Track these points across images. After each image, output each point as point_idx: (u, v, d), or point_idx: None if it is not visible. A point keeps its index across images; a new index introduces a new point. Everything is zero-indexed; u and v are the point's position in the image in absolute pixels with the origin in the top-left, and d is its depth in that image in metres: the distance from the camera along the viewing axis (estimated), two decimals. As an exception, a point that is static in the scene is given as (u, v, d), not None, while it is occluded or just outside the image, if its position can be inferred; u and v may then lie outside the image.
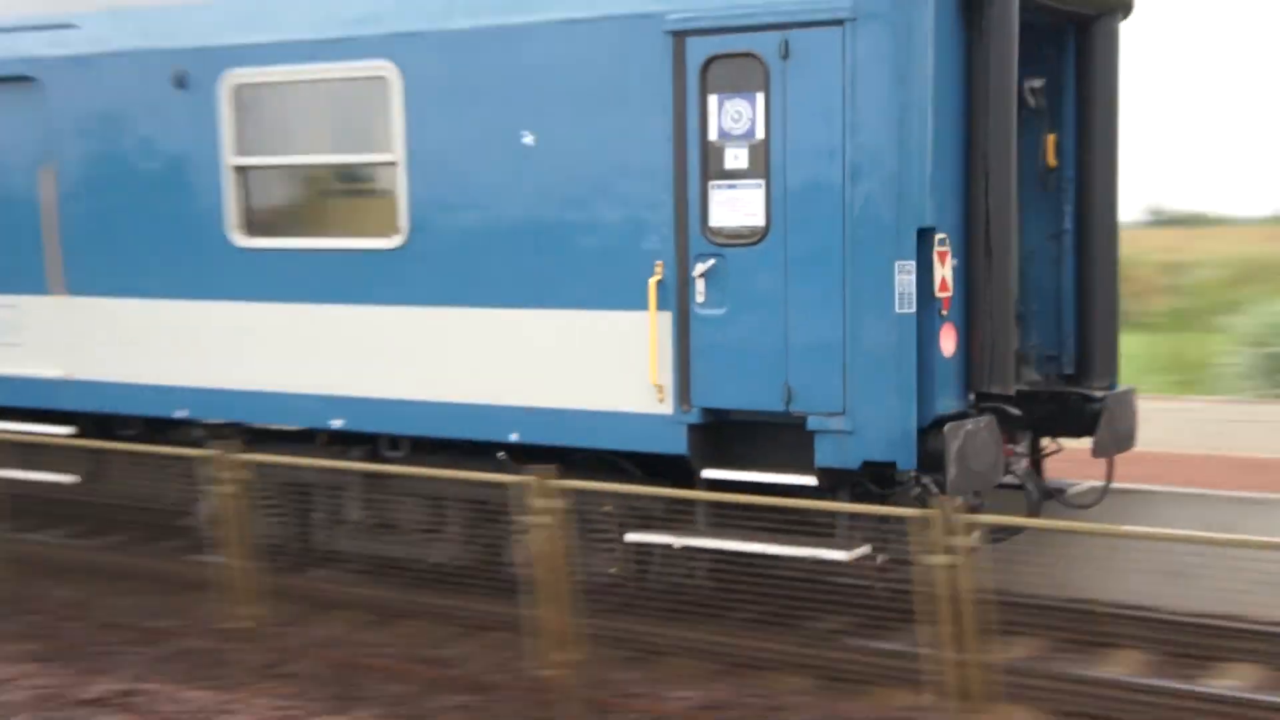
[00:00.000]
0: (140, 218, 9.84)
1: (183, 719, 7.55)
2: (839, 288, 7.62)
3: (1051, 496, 8.76)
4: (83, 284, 10.11)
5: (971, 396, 7.93)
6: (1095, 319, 8.63)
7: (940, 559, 6.44)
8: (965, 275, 7.83)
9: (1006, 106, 7.66)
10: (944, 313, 7.66)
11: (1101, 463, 8.88)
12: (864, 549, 7.72)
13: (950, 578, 6.45)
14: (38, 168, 10.24)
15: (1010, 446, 8.38)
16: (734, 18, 7.64)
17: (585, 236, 8.25)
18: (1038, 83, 8.57)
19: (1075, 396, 8.67)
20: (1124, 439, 8.68)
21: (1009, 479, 8.45)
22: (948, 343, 7.76)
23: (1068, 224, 8.72)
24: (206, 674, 8.46)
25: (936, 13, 7.34)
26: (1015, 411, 8.08)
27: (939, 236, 7.59)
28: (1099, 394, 8.66)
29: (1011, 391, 7.89)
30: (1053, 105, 8.69)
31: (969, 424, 7.68)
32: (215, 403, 9.69)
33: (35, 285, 10.34)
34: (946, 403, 7.79)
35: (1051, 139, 8.69)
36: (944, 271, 7.62)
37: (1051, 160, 8.69)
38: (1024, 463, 8.54)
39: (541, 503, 7.23)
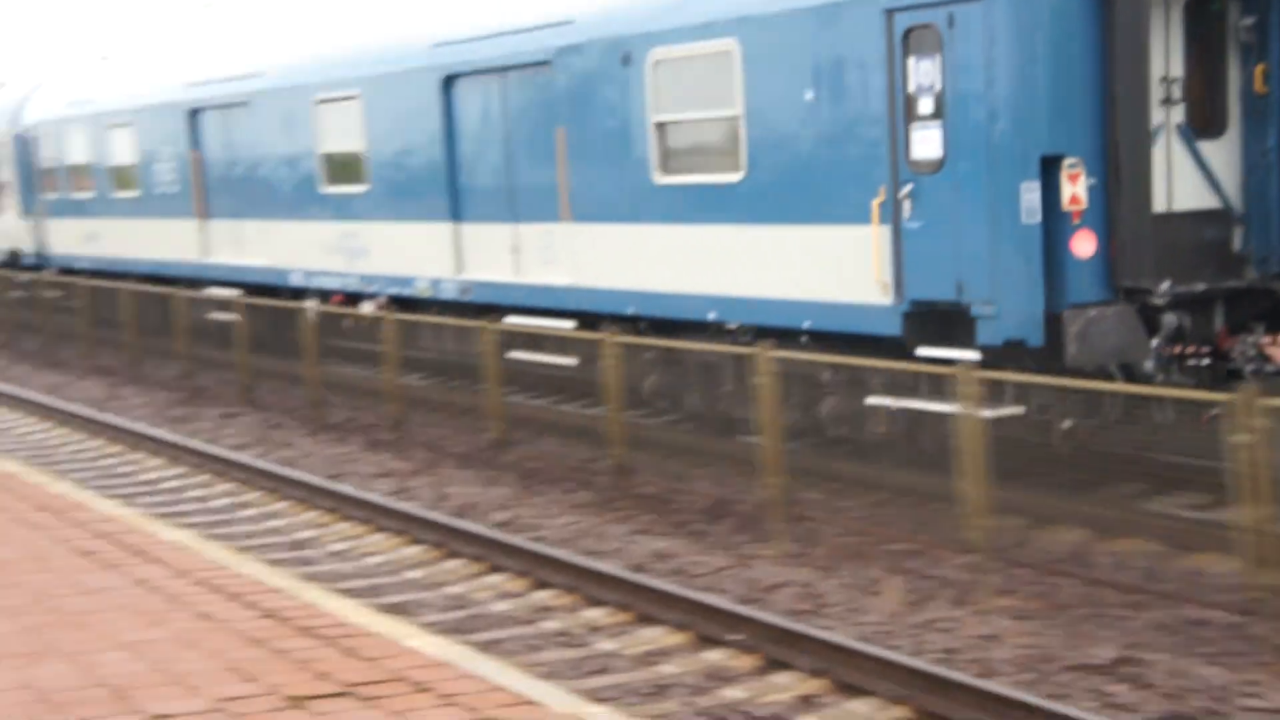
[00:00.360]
0: (606, 163, 13.45)
1: (1193, 697, 7.31)
2: (986, 204, 10.03)
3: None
4: (580, 214, 13.84)
5: (1125, 283, 10.03)
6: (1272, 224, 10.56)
7: (1243, 437, 8.08)
8: (1104, 192, 10.02)
9: (1136, 59, 9.81)
10: (1075, 222, 9.88)
11: None
12: (1018, 409, 10.25)
13: (1250, 455, 8.11)
14: (554, 128, 14.08)
15: (1233, 337, 10.44)
16: None
17: (837, 169, 11.09)
18: (1249, 20, 10.43)
19: (1251, 291, 10.60)
20: None
21: (1241, 364, 10.49)
22: (1083, 246, 9.99)
23: (1271, 141, 10.48)
24: (1217, 647, 8.03)
25: None
26: (1158, 302, 9.92)
27: (1069, 161, 9.92)
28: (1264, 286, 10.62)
29: (1153, 290, 9.90)
30: (1262, 40, 10.49)
31: (1092, 311, 9.77)
32: (646, 302, 13.11)
33: (554, 216, 14.21)
34: (1082, 294, 10.02)
35: (1260, 69, 10.49)
36: (1075, 189, 9.90)
37: (1260, 87, 10.46)
38: (1253, 348, 10.32)
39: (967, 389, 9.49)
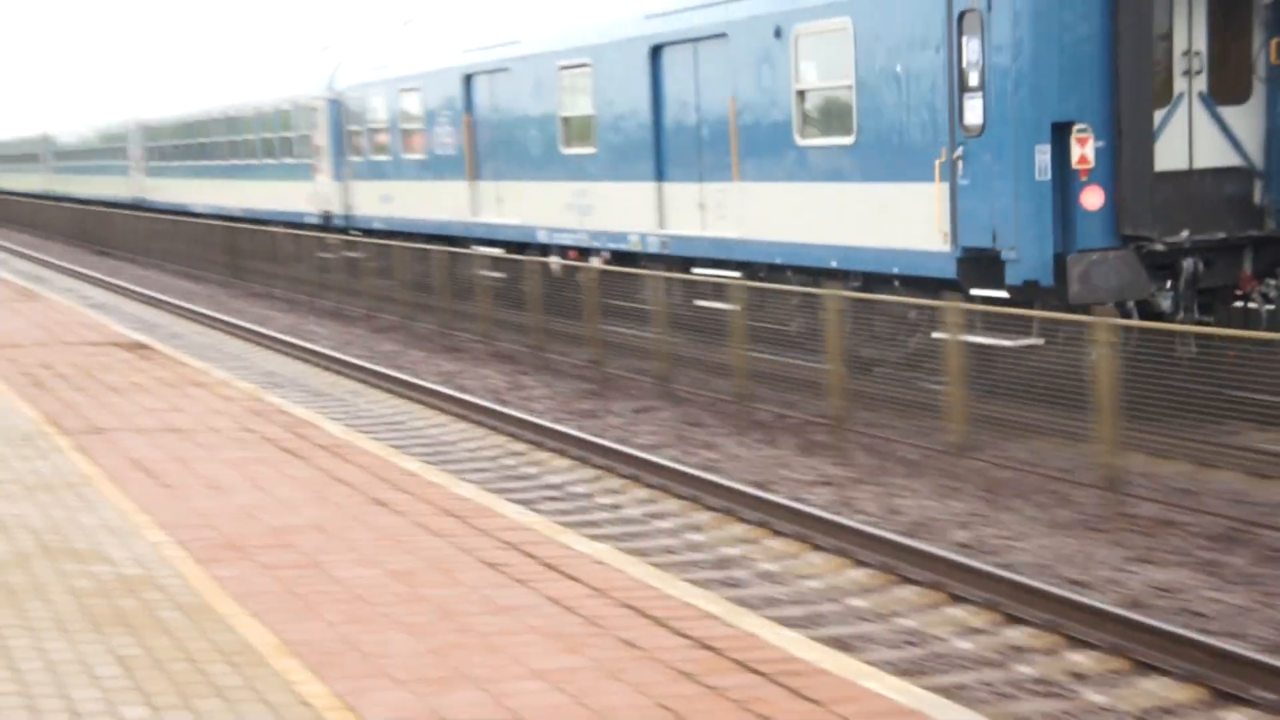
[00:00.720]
0: (763, 127, 16.83)
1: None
2: (1011, 164, 13.20)
3: None
4: (745, 174, 17.08)
5: (1127, 233, 13.04)
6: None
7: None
8: (1111, 153, 13.07)
9: (1138, 38, 12.52)
10: (1083, 179, 12.96)
11: None
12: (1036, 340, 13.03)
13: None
14: (727, 96, 17.45)
15: (1255, 280, 13.43)
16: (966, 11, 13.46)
17: (913, 132, 14.34)
18: None
19: (1269, 241, 13.35)
20: None
21: (1260, 304, 13.50)
22: (1092, 199, 13.11)
23: (1266, 121, 13.50)
24: None
25: None
26: (1159, 247, 12.98)
27: (1078, 126, 13.04)
28: None
29: (1153, 238, 12.84)
30: (1278, 16, 13.50)
31: (1095, 255, 12.86)
32: (788, 252, 16.77)
33: (726, 176, 17.72)
34: (1090, 241, 13.11)
35: (1275, 41, 13.38)
36: (1083, 151, 12.99)
37: (1276, 59, 13.34)
38: (1267, 287, 13.64)
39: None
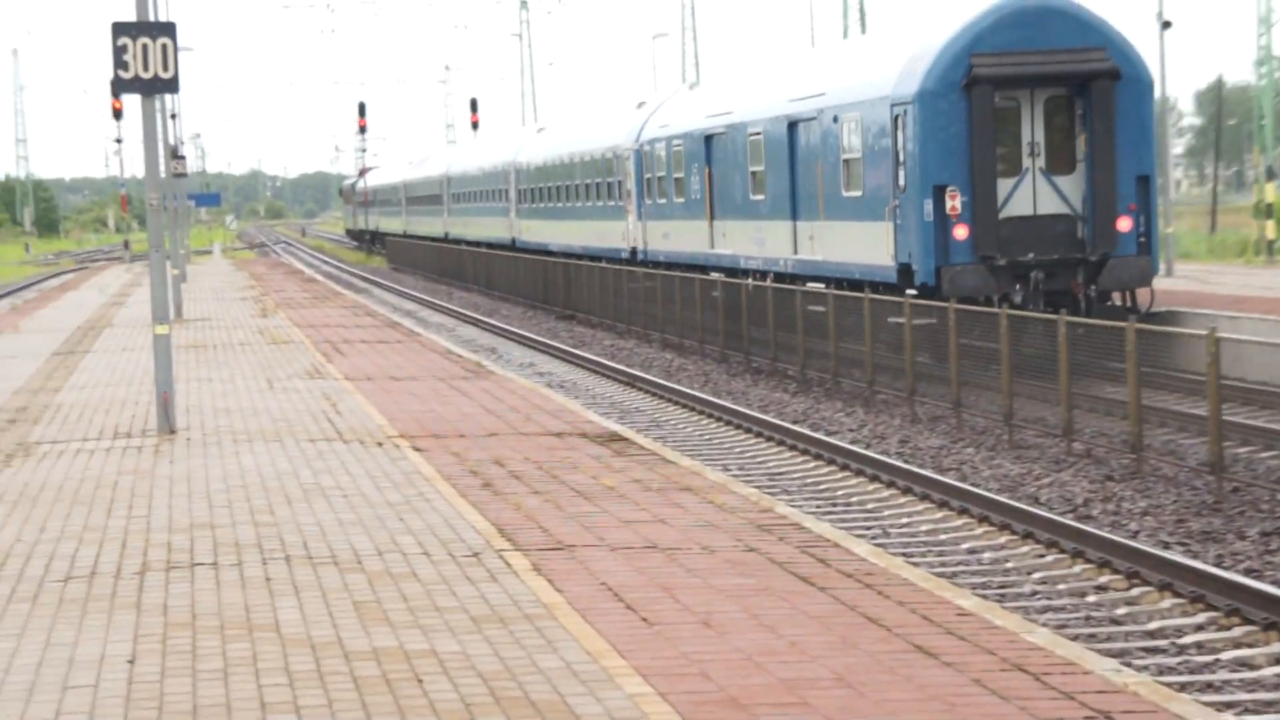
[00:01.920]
0: (829, 183, 35.57)
1: None
2: (914, 211, 30.75)
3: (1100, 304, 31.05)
4: (828, 215, 35.58)
5: (981, 256, 30.50)
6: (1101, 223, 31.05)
7: None
8: (973, 203, 30.41)
9: (984, 139, 30.26)
10: (952, 219, 30.31)
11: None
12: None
13: None
14: (815, 161, 35.87)
15: (1080, 286, 30.70)
16: (890, 99, 31.68)
17: (882, 189, 32.34)
18: (1079, 110, 31.38)
19: (1090, 261, 30.79)
20: (1124, 284, 31.28)
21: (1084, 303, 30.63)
22: (960, 233, 30.50)
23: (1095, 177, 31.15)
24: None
25: (940, 99, 30.50)
26: (1002, 263, 30.25)
27: (950, 188, 30.38)
28: (1095, 260, 30.79)
29: (998, 259, 30.57)
30: (1086, 120, 31.17)
31: (957, 267, 30.19)
32: (819, 268, 36.54)
33: (816, 216, 36.11)
34: (959, 259, 30.51)
35: (1082, 137, 31.29)
36: (953, 203, 30.33)
37: (1083, 148, 31.20)
38: (1090, 290, 30.84)
39: None
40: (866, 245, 33.10)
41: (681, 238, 45.39)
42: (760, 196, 39.36)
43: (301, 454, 19.61)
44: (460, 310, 56.90)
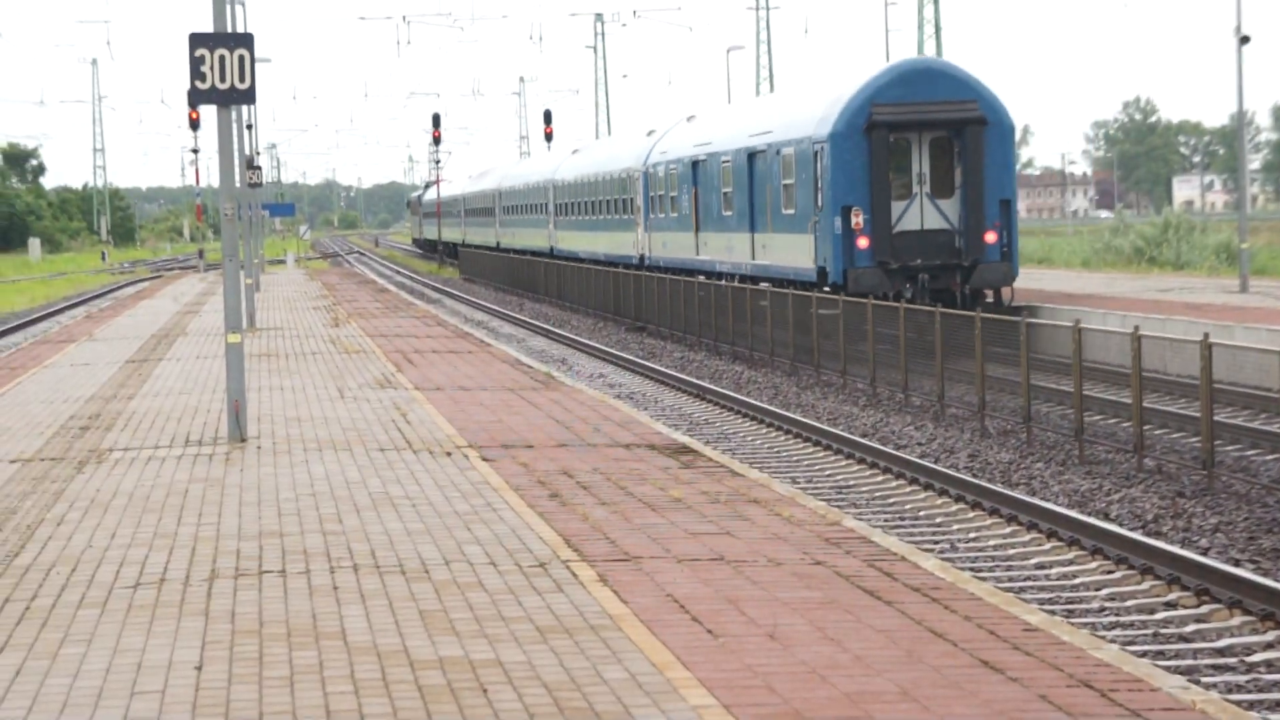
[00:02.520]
0: (775, 202, 46.78)
1: None
2: (827, 225, 40.85)
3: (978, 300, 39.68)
4: (770, 228, 47.23)
5: (878, 261, 40.17)
6: (972, 236, 40.38)
7: None
8: (876, 221, 40.16)
9: (880, 167, 40.31)
10: (856, 232, 40.04)
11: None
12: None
13: None
14: (766, 184, 47.42)
15: (959, 285, 40.13)
16: (811, 139, 41.97)
17: (807, 208, 42.67)
18: (957, 147, 41.00)
19: (964, 266, 40.07)
20: (991, 284, 40.66)
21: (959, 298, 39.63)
22: (862, 243, 40.12)
23: (962, 211, 40.79)
24: None
25: (848, 139, 40.29)
26: (894, 267, 39.83)
27: (855, 208, 40.13)
28: (968, 265, 40.19)
29: (891, 263, 40.06)
30: (959, 154, 41.05)
31: (860, 270, 39.89)
32: (779, 271, 46.30)
33: (767, 229, 47.33)
34: (862, 263, 40.20)
35: (957, 170, 40.97)
36: (857, 220, 40.02)
37: (958, 179, 40.92)
38: (964, 289, 40.07)
39: None
40: (796, 252, 43.51)
41: (675, 246, 55.88)
42: (729, 212, 49.66)
43: (370, 463, 19.66)
44: (531, 321, 57.01)
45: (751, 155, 47.29)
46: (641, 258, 60.02)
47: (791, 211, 43.82)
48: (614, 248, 64.47)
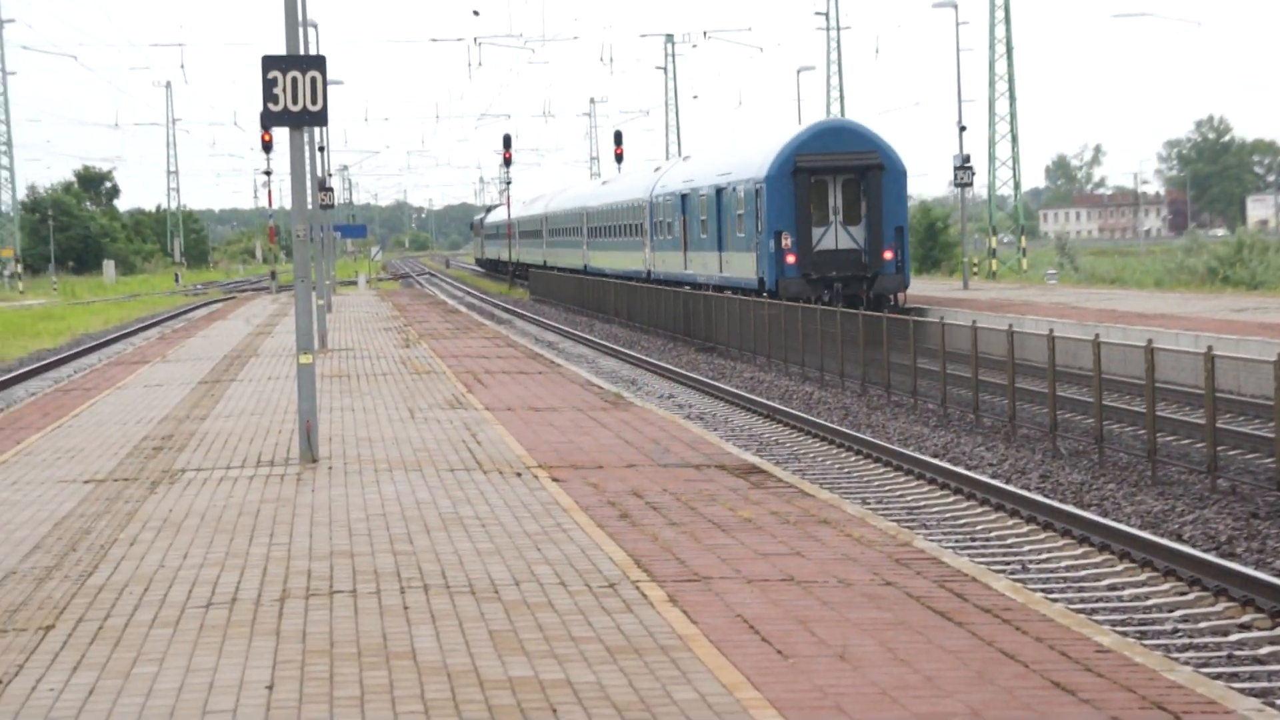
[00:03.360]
0: (732, 228, 60.43)
1: None
2: (765, 245, 53.65)
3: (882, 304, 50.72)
4: (732, 248, 59.82)
5: (803, 273, 52.44)
6: (874, 254, 52.63)
7: None
8: (800, 242, 52.72)
9: (803, 202, 52.97)
10: (785, 251, 52.61)
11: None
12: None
13: None
14: (730, 216, 60.01)
15: (867, 293, 51.81)
16: (754, 179, 55.02)
17: (748, 232, 55.89)
18: (863, 186, 53.18)
19: (868, 277, 52.38)
20: (888, 291, 52.31)
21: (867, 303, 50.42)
22: (790, 259, 52.65)
23: (872, 226, 52.89)
24: None
25: (779, 180, 52.88)
26: (815, 277, 52.34)
27: (784, 233, 52.69)
28: (870, 276, 52.39)
29: (811, 274, 52.54)
30: (864, 192, 53.55)
31: (788, 279, 52.29)
32: (735, 282, 59.90)
33: (729, 249, 59.19)
34: (790, 275, 52.52)
35: (863, 204, 53.54)
36: (786, 242, 52.61)
37: (864, 210, 53.28)
38: (868, 294, 51.69)
39: None
40: (745, 267, 55.93)
41: (670, 262, 67.64)
42: (705, 235, 61.33)
43: (441, 483, 19.70)
44: (601, 342, 57.07)
45: (719, 190, 59.09)
46: (648, 272, 71.70)
47: (742, 235, 56.11)
48: (629, 265, 76.51)
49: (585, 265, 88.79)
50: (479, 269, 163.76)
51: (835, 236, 53.03)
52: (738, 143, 69.45)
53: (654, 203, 70.52)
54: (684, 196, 64.99)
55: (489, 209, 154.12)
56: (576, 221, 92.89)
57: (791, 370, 43.15)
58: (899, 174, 53.15)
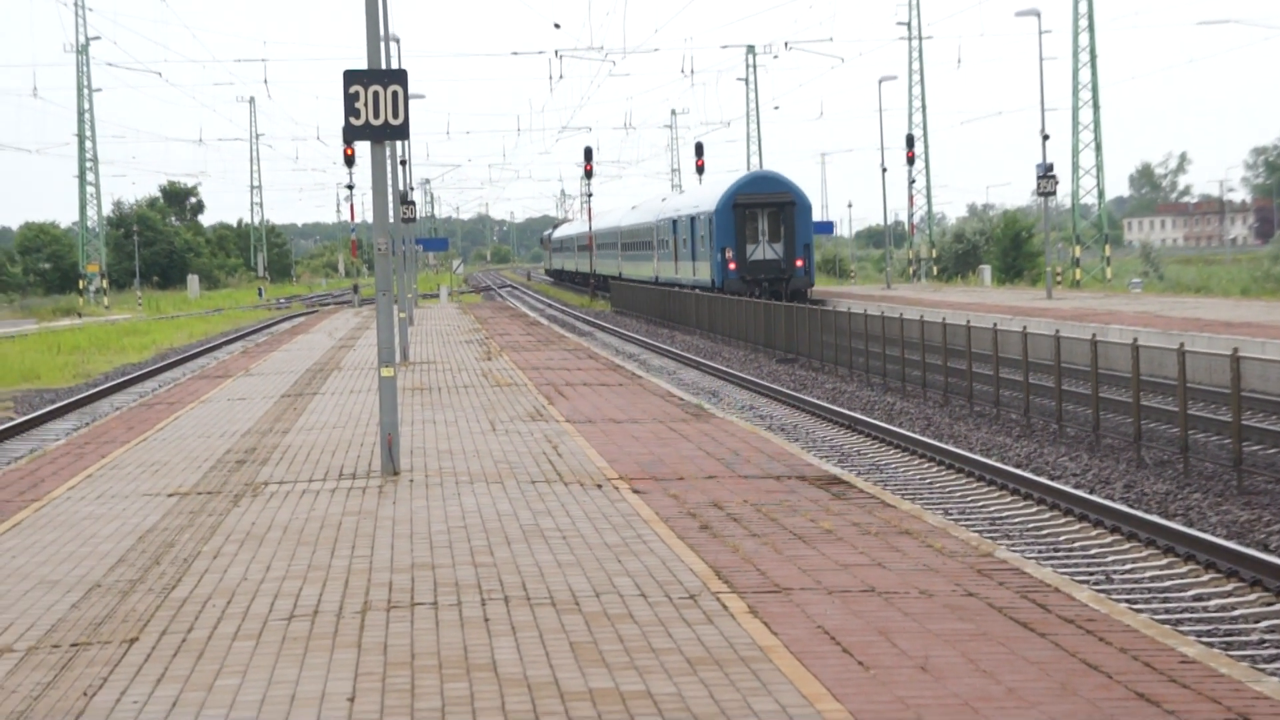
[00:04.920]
0: (697, 246, 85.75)
1: None
2: (715, 258, 77.44)
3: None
4: (696, 259, 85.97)
5: (740, 276, 75.56)
6: (789, 262, 75.92)
7: None
8: (740, 253, 76.31)
9: (740, 227, 76.31)
10: (728, 260, 75.82)
11: None
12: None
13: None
14: (698, 236, 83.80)
15: (780, 288, 74.52)
16: (709, 211, 79.19)
17: (708, 248, 79.72)
18: (787, 216, 77.16)
19: (785, 279, 75.30)
20: (799, 289, 75.20)
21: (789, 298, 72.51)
22: (732, 266, 75.55)
23: (783, 249, 76.38)
24: None
25: (724, 212, 76.26)
26: (748, 279, 75.16)
27: (727, 248, 76.05)
28: (787, 279, 75.29)
29: (746, 277, 75.52)
30: (784, 219, 77.36)
31: (730, 279, 75.46)
32: (701, 284, 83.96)
33: (697, 259, 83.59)
34: (732, 278, 75.57)
35: (785, 229, 76.64)
36: (729, 254, 75.77)
37: (786, 233, 76.47)
38: (786, 290, 74.31)
39: None
40: (704, 272, 78.70)
41: (667, 270, 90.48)
42: (685, 249, 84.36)
43: (522, 495, 19.74)
44: (682, 353, 57.09)
45: (692, 218, 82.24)
46: (655, 279, 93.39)
47: (704, 249, 79.29)
48: (643, 274, 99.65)
49: (620, 273, 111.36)
50: (546, 278, 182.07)
51: (763, 250, 75.58)
52: (705, 184, 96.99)
53: (658, 226, 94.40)
54: (675, 221, 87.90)
55: (555, 225, 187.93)
56: (614, 239, 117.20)
57: (873, 381, 43.03)
58: (806, 208, 76.50)
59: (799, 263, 74.45)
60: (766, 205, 75.38)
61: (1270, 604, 17.11)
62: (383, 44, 22.05)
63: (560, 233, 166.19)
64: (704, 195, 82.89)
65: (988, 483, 25.84)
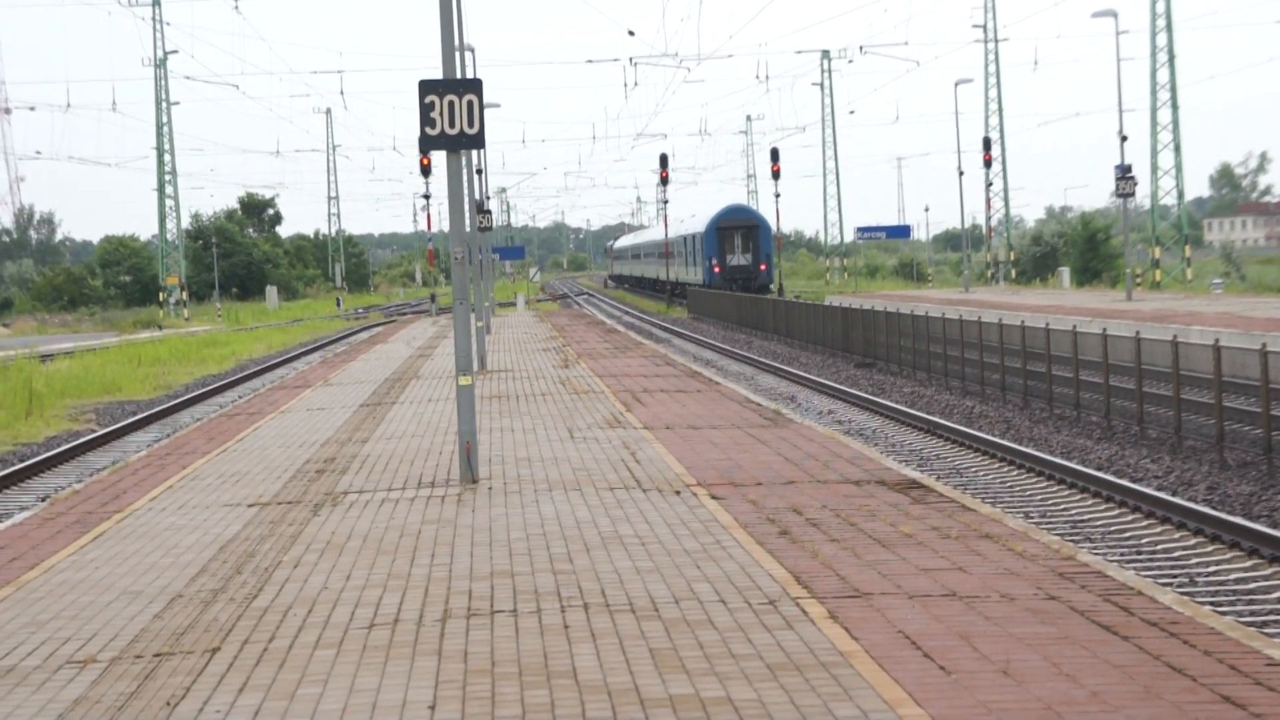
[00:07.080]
0: (695, 255, 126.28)
1: None
2: (704, 264, 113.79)
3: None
4: (693, 264, 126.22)
5: (721, 277, 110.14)
6: (755, 268, 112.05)
7: None
8: (721, 261, 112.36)
9: (722, 243, 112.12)
10: (714, 263, 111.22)
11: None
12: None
13: None
14: (693, 250, 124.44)
15: (752, 286, 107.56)
16: (699, 232, 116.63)
17: (696, 257, 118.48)
18: (756, 234, 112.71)
19: (753, 280, 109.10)
20: (764, 288, 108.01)
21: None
22: (716, 270, 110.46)
23: (751, 259, 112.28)
24: None
25: (710, 232, 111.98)
26: (726, 279, 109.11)
27: (713, 258, 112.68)
28: (754, 279, 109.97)
29: (725, 278, 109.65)
30: (752, 238, 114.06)
31: (716, 278, 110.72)
32: (703, 280, 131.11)
33: (699, 264, 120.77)
34: (716, 278, 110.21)
35: (776, 258, 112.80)
36: (714, 262, 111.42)
37: (755, 248, 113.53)
38: (754, 288, 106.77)
39: None
40: (695, 274, 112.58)
41: (674, 272, 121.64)
42: (684, 258, 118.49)
43: (600, 502, 19.75)
44: (759, 359, 57.03)
45: (689, 237, 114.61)
46: (663, 280, 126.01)
47: (696, 258, 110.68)
48: (660, 275, 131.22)
49: (642, 275, 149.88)
50: (611, 283, 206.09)
51: (737, 260, 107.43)
52: (699, 210, 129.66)
53: (670, 240, 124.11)
54: (684, 238, 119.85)
55: (615, 239, 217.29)
56: (646, 250, 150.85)
57: (952, 385, 42.88)
58: (767, 229, 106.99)
59: (763, 267, 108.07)
60: (739, 228, 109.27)
61: (1356, 605, 16.99)
62: (458, 54, 22.07)
63: (619, 244, 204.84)
64: (696, 222, 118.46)
65: (1069, 486, 25.69)
